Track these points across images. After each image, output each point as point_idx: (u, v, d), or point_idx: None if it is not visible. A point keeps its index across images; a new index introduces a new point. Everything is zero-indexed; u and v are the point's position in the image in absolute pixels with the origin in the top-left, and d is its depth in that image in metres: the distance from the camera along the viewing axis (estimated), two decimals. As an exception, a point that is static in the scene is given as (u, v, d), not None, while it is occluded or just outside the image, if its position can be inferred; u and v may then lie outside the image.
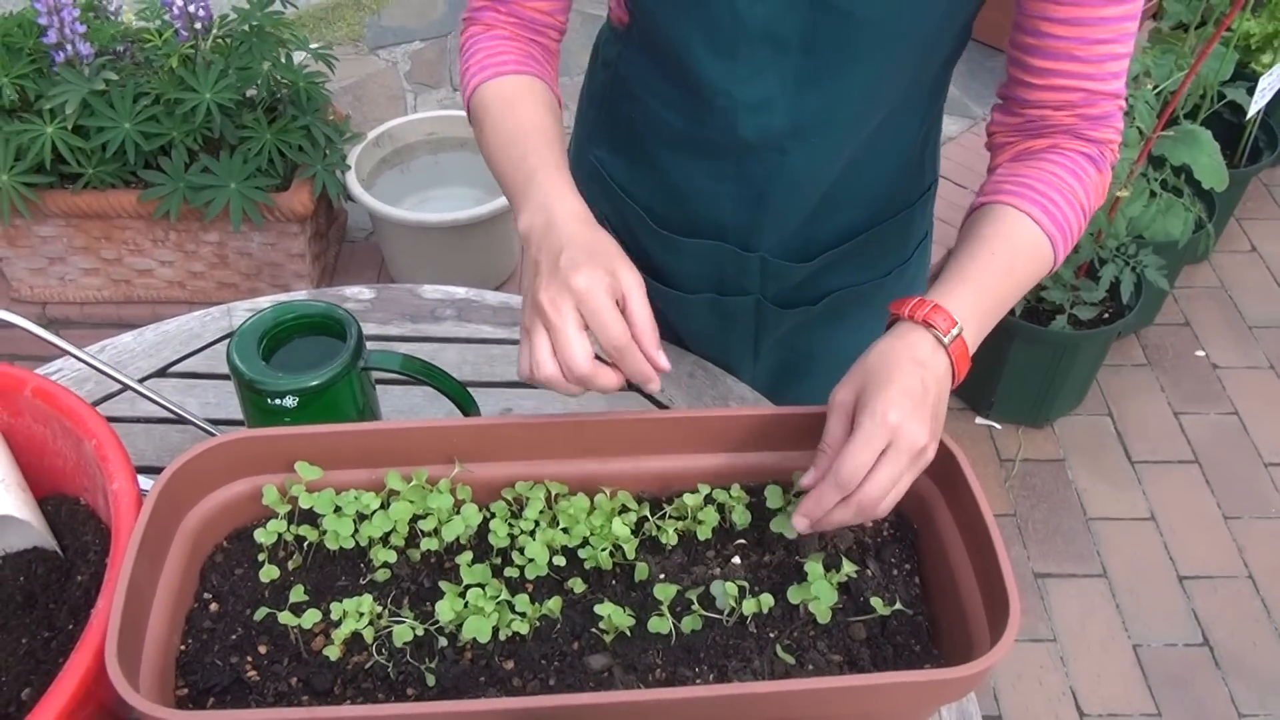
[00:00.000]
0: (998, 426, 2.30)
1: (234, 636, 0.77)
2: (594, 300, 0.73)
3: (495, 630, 0.76)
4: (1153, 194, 2.06)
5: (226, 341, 1.19)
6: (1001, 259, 0.79)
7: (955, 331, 0.75)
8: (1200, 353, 2.46)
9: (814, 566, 0.78)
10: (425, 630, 0.76)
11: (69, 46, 1.81)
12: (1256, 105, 2.29)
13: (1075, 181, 0.82)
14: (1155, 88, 1.86)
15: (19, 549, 0.88)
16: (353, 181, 2.06)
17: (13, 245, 2.03)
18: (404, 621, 0.75)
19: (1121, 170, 1.92)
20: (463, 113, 2.26)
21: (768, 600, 0.77)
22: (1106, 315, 2.15)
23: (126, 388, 0.94)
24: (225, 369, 1.17)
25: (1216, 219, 2.53)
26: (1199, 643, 1.95)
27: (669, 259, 1.08)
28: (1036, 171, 0.83)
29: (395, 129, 2.20)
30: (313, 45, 2.01)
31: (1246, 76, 2.46)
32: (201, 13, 1.76)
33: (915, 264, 1.11)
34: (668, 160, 1.01)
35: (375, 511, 0.80)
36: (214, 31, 1.88)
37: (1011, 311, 2.06)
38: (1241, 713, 1.85)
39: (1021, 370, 2.17)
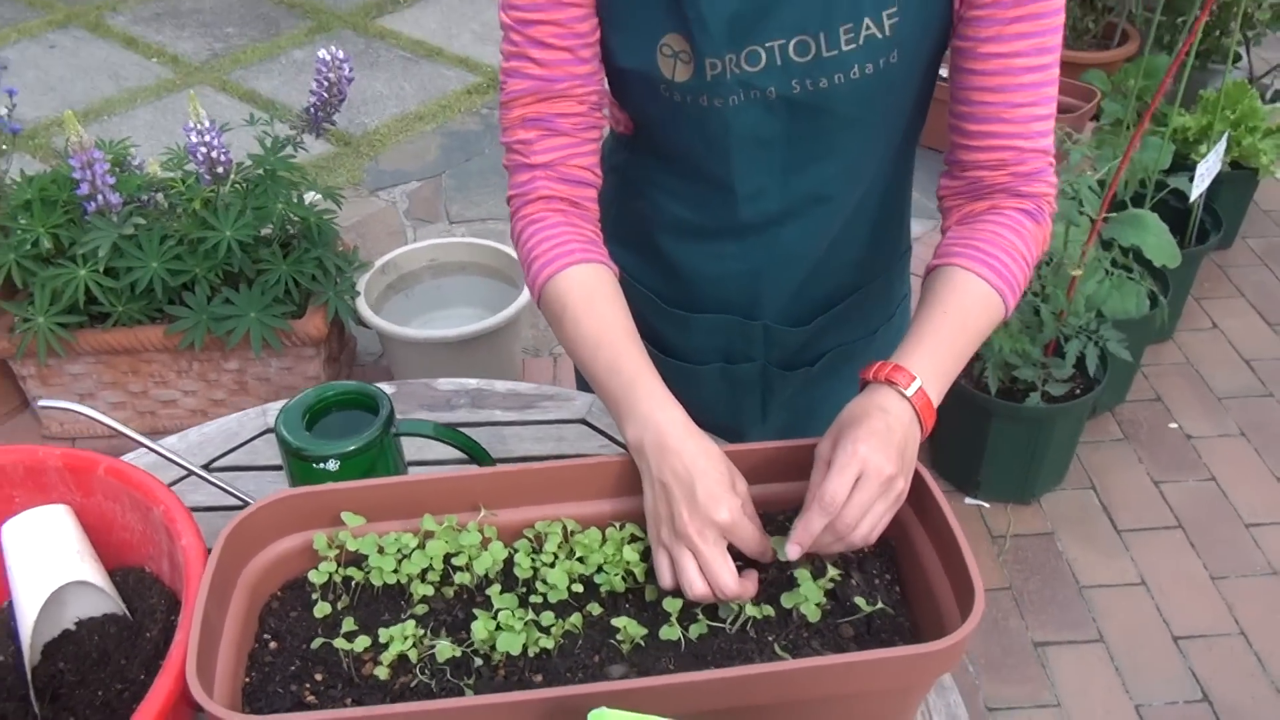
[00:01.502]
0: (986, 505, 2.39)
1: (292, 668, 0.86)
2: (740, 529, 0.86)
3: (525, 648, 0.85)
4: (1107, 273, 2.21)
5: (267, 431, 1.31)
6: (955, 317, 0.92)
7: (915, 385, 0.88)
8: (1173, 425, 2.58)
9: (802, 573, 0.88)
10: (462, 652, 0.85)
11: (100, 197, 1.98)
12: (1197, 190, 2.47)
13: (1015, 237, 0.96)
14: (1096, 175, 2.04)
15: (91, 615, 0.97)
16: (363, 306, 2.21)
17: (45, 384, 2.16)
18: (445, 640, 0.84)
19: (1073, 251, 2.08)
20: (460, 239, 2.43)
21: (767, 610, 0.87)
22: (1078, 391, 2.27)
23: (190, 473, 1.05)
24: (264, 462, 1.29)
25: (1174, 298, 2.68)
26: (1199, 699, 2.01)
27: (680, 335, 1.20)
28: (981, 233, 0.96)
29: (399, 257, 2.37)
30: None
31: (1187, 167, 2.65)
32: (223, 158, 1.93)
33: (898, 320, 1.24)
34: (674, 246, 1.14)
35: (414, 550, 0.91)
36: (232, 176, 2.05)
37: (986, 390, 2.19)
38: (1246, 763, 1.89)
39: (1003, 448, 2.28)
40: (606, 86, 1.05)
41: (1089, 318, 2.13)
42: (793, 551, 0.86)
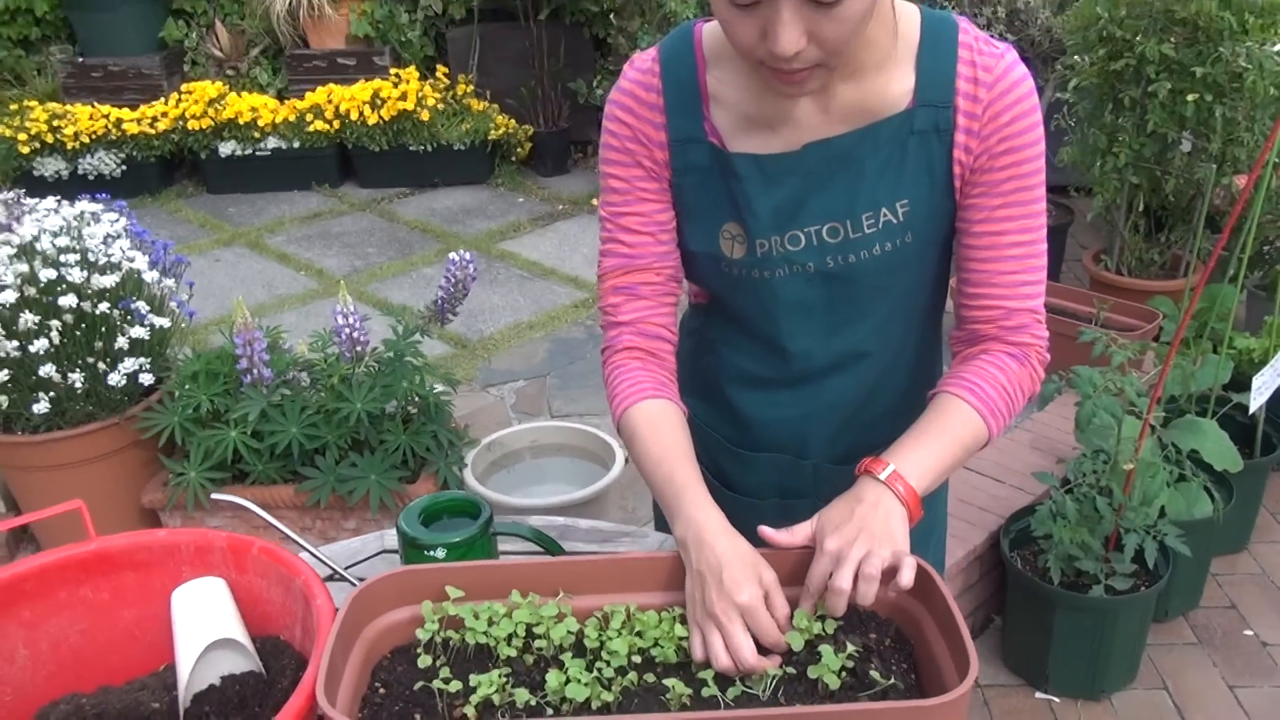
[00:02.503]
0: (1056, 700, 2.42)
1: (397, 708, 1.04)
2: (757, 614, 1.05)
3: (589, 701, 1.02)
4: (1168, 473, 2.33)
5: (384, 551, 1.52)
6: (934, 424, 1.14)
7: (888, 470, 1.09)
8: (1249, 632, 2.59)
9: (825, 648, 1.04)
10: (538, 701, 1.02)
11: (255, 371, 2.30)
12: (1256, 402, 2.60)
13: (998, 371, 1.17)
14: (1143, 379, 2.20)
15: (234, 672, 1.17)
16: (469, 477, 2.45)
17: (186, 535, 2.43)
18: (523, 687, 1.02)
19: (1126, 449, 2.22)
20: (557, 422, 2.69)
21: (790, 670, 1.02)
22: (1142, 587, 2.34)
23: (335, 573, 1.28)
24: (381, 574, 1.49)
25: (1245, 509, 2.76)
26: None
27: (742, 472, 1.40)
28: (969, 367, 1.19)
29: (503, 437, 2.63)
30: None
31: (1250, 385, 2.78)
32: (362, 338, 2.25)
33: None
34: (738, 394, 1.36)
35: (502, 618, 1.09)
36: (366, 358, 2.37)
37: (1049, 580, 2.28)
38: None
39: (1069, 639, 2.34)
40: (680, 263, 1.30)
41: (1145, 512, 2.24)
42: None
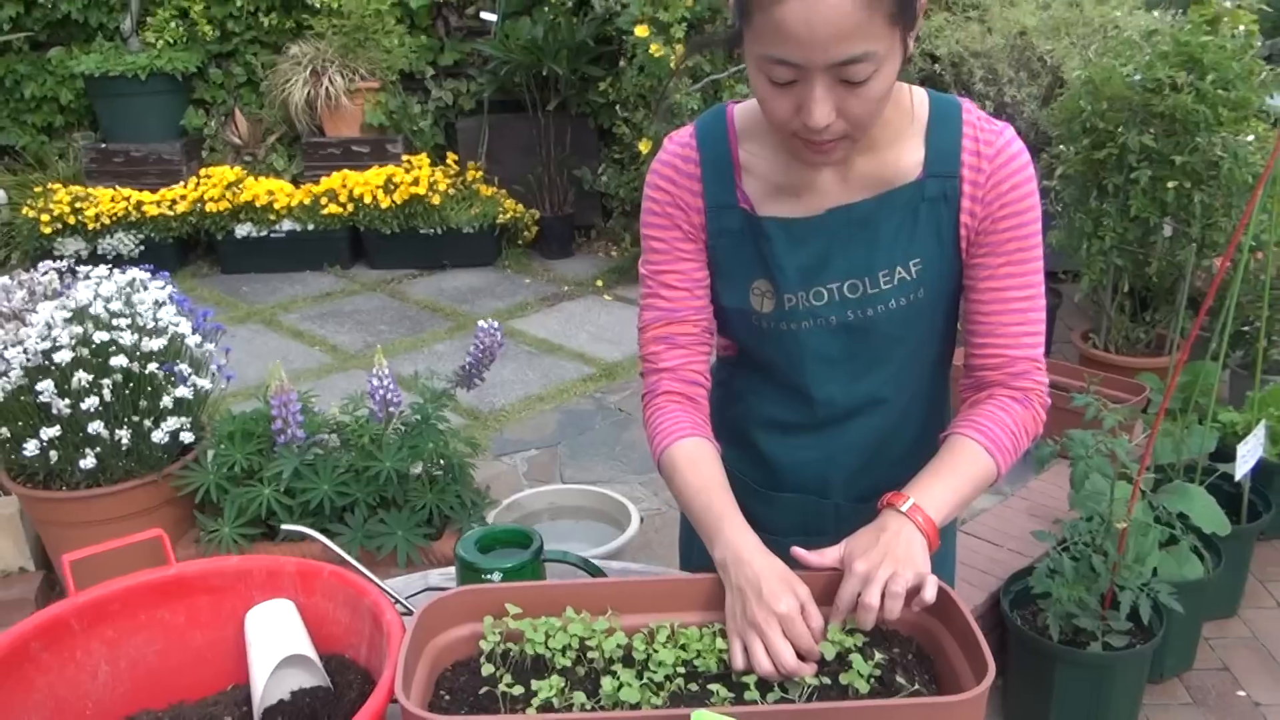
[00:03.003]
0: (1059, 758, 2.49)
1: (462, 711, 1.14)
2: (794, 622, 1.16)
3: (639, 705, 1.12)
4: (1163, 535, 2.44)
5: (427, 589, 1.62)
6: (948, 462, 1.27)
7: (908, 503, 1.22)
8: (1241, 693, 2.67)
9: (856, 657, 1.14)
10: (593, 705, 1.12)
11: (289, 431, 2.42)
12: (1241, 470, 2.73)
13: (1003, 413, 1.30)
14: (1132, 441, 2.33)
15: (304, 687, 1.27)
16: (490, 536, 2.55)
17: (216, 591, 2.51)
18: (580, 690, 1.12)
19: (1119, 509, 2.34)
20: (573, 486, 2.80)
21: (825, 680, 1.13)
22: (1139, 644, 2.43)
23: (396, 601, 1.38)
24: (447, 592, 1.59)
25: (1234, 573, 2.86)
26: None
27: (767, 512, 1.50)
28: (977, 411, 1.32)
29: (523, 498, 2.74)
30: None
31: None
32: (395, 398, 2.37)
33: None
34: (764, 439, 1.48)
35: (558, 631, 1.20)
36: (395, 420, 2.49)
37: (1049, 636, 2.38)
38: None
39: (1069, 696, 2.42)
40: (713, 317, 1.43)
41: (1139, 570, 2.34)
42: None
